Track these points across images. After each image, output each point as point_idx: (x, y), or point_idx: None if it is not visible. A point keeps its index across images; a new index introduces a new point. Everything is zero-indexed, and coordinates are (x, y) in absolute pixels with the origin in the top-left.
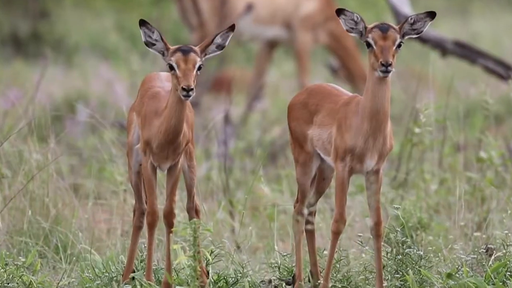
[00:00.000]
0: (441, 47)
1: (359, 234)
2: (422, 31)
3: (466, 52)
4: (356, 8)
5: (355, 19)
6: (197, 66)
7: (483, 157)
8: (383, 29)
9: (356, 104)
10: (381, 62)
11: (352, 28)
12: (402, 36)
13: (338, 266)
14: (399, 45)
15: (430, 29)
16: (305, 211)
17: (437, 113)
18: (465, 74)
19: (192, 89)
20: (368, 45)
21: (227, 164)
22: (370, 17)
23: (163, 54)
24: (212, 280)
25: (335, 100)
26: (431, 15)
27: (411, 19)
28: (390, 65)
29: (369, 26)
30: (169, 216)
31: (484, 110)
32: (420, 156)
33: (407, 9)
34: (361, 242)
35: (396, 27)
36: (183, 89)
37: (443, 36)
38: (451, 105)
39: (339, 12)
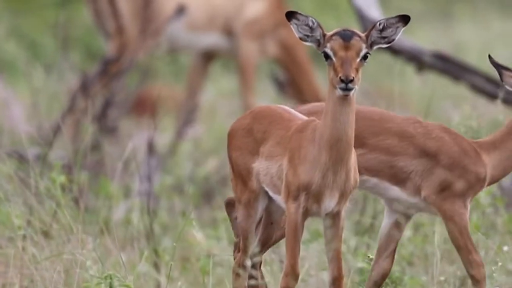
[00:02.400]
0: (418, 60)
1: None
2: (393, 40)
3: (448, 66)
4: (312, 11)
5: (311, 24)
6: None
7: None
8: (345, 36)
9: (312, 131)
10: (340, 77)
11: (307, 36)
12: (369, 46)
13: None
14: (365, 57)
15: (404, 37)
16: (248, 263)
17: None
18: (447, 94)
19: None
20: (327, 56)
21: (151, 204)
22: (329, 22)
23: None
24: None
25: (286, 125)
26: (405, 19)
27: (380, 24)
28: (351, 81)
29: (329, 33)
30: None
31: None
32: None
33: (375, 13)
34: None
35: (362, 35)
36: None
37: (420, 46)
38: None
39: (290, 16)
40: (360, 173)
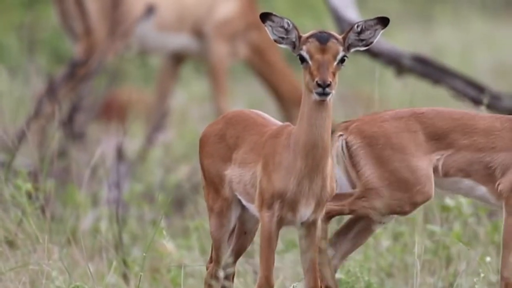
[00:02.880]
0: (397, 63)
1: None
2: (372, 42)
3: (428, 69)
4: (287, 12)
5: (286, 26)
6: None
7: (448, 205)
8: (322, 39)
9: (287, 136)
10: (317, 81)
11: (282, 38)
12: (347, 49)
13: None
14: (342, 60)
15: (383, 39)
16: (221, 274)
17: None
18: (427, 98)
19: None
20: (302, 59)
21: (120, 212)
22: (305, 23)
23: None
24: None
25: (260, 131)
26: (384, 21)
27: (357, 26)
28: (328, 85)
29: (304, 35)
30: None
31: None
32: None
33: (352, 14)
34: None
35: (339, 37)
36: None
37: (399, 49)
38: None
39: (265, 17)
40: (450, 174)
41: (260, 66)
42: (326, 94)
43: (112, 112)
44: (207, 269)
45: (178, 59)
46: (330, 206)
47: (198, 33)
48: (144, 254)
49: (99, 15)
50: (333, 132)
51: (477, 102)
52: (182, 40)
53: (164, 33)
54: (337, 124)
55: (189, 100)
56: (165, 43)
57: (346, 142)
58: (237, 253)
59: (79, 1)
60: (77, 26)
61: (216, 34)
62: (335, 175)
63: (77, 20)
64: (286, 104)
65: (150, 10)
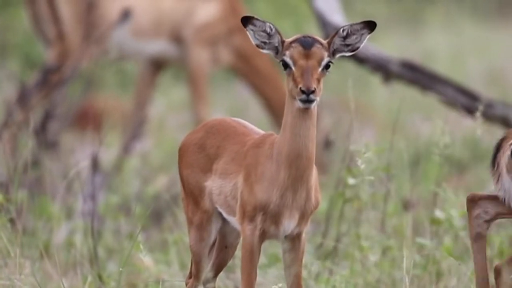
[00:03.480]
0: (384, 69)
1: None
2: (358, 48)
3: (418, 76)
4: (269, 16)
5: (268, 30)
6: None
7: (439, 217)
8: (306, 44)
9: (270, 146)
10: (300, 88)
11: (264, 43)
12: (332, 54)
13: None
14: (327, 66)
15: (370, 44)
16: None
17: (378, 158)
18: (415, 106)
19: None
20: (286, 65)
21: (96, 225)
22: (288, 27)
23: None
24: None
25: (242, 140)
26: (370, 26)
27: (343, 31)
28: (313, 92)
29: (288, 40)
30: None
31: (441, 154)
32: (356, 216)
33: (338, 18)
34: None
35: (324, 42)
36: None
37: (387, 54)
38: (397, 147)
39: (246, 21)
40: None
41: (246, 72)
42: (310, 102)
43: (87, 120)
44: (186, 285)
45: (157, 65)
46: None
47: (176, 38)
48: (120, 269)
49: (73, 19)
50: (504, 139)
51: (468, 110)
52: (159, 46)
53: (141, 38)
54: (509, 131)
55: (168, 107)
56: (142, 50)
57: None
58: (218, 268)
59: (51, 4)
60: (49, 31)
61: (195, 39)
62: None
63: (49, 24)
64: (276, 111)
65: (125, 15)
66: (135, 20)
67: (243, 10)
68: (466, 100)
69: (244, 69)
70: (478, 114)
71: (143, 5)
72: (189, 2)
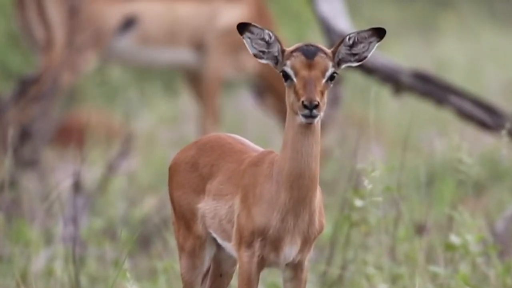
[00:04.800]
0: (394, 81)
1: None
2: (365, 57)
3: (431, 87)
4: None
5: (267, 38)
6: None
7: (454, 243)
8: (309, 53)
9: (269, 165)
10: (303, 101)
11: (263, 52)
12: (337, 64)
13: None
14: (331, 77)
15: (378, 53)
16: None
17: (388, 178)
18: (429, 121)
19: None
20: (286, 76)
21: (78, 251)
22: (289, 34)
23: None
24: None
25: (238, 158)
26: (379, 33)
27: (349, 39)
28: (316, 106)
29: (288, 49)
30: None
31: (458, 173)
32: (363, 241)
33: (343, 24)
34: None
35: (328, 51)
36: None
37: (397, 64)
38: (409, 165)
39: (243, 28)
40: None
41: (272, 81)
42: (314, 117)
43: (69, 136)
44: None
45: (191, 75)
46: None
47: (199, 45)
48: None
49: (62, 25)
50: None
51: (487, 125)
52: (178, 54)
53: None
54: None
55: (157, 122)
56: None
57: None
58: None
59: (41, 8)
60: (39, 37)
61: (216, 45)
62: None
63: (38, 30)
64: None
65: (129, 23)
66: (142, 27)
67: (270, 13)
68: (484, 114)
69: (269, 78)
70: (504, 132)
71: (153, 11)
72: (212, 5)
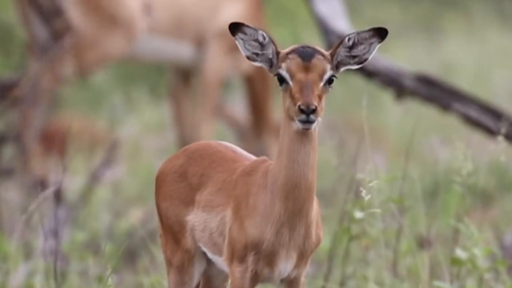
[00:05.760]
0: (397, 85)
1: None
2: (366, 59)
3: (435, 92)
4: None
5: (261, 39)
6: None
7: (460, 257)
8: (305, 55)
9: (263, 174)
10: (299, 106)
11: (256, 54)
12: (335, 67)
13: None
14: (329, 81)
15: (380, 55)
16: None
17: (390, 188)
18: (433, 127)
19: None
20: (281, 80)
21: (59, 266)
22: (284, 35)
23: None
24: None
25: (230, 167)
26: (381, 33)
27: (349, 40)
28: (313, 111)
29: (284, 51)
30: None
31: (463, 183)
32: (363, 255)
33: (342, 24)
34: None
35: (326, 53)
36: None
37: (400, 67)
38: (411, 175)
39: (235, 28)
40: None
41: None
42: (311, 122)
43: (50, 143)
44: None
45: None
46: None
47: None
48: None
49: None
50: None
51: (494, 131)
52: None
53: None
54: None
55: (143, 129)
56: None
57: None
58: None
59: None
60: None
61: (217, 43)
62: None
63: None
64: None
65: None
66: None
67: (264, 13)
68: (491, 120)
69: (259, 82)
70: (500, 138)
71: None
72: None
